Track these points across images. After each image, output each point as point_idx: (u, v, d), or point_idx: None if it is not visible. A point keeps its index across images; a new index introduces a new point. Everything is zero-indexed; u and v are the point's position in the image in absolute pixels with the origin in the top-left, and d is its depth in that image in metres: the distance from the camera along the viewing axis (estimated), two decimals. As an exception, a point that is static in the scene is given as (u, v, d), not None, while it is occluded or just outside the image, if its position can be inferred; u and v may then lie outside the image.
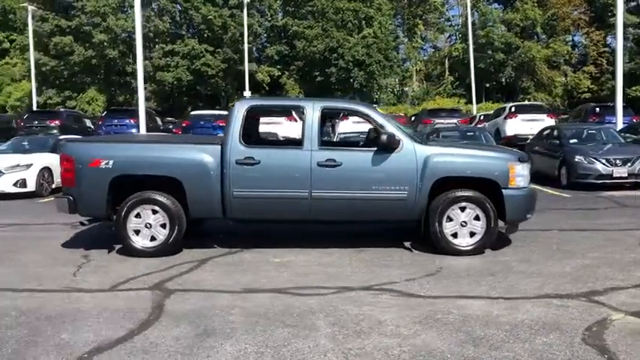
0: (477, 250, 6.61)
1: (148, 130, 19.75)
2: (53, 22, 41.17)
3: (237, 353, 3.88)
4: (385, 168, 6.61)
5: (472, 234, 6.62)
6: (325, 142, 7.57)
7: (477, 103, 36.89)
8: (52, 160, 12.67)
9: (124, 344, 4.05)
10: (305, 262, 6.38)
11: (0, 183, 12.42)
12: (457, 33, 50.92)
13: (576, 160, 12.58)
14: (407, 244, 7.03)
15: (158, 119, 26.06)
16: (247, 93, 34.96)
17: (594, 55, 45.65)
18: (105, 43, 41.55)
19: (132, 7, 24.40)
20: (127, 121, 21.63)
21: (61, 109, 30.62)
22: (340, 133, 18.37)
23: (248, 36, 38.15)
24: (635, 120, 20.27)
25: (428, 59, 53.09)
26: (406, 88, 51.49)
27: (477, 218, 6.58)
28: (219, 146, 6.68)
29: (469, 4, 39.02)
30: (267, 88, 43.98)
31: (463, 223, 6.58)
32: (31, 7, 36.38)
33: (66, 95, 42.65)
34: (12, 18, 48.01)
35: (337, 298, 5.07)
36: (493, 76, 46.55)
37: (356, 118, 9.33)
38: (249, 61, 38.62)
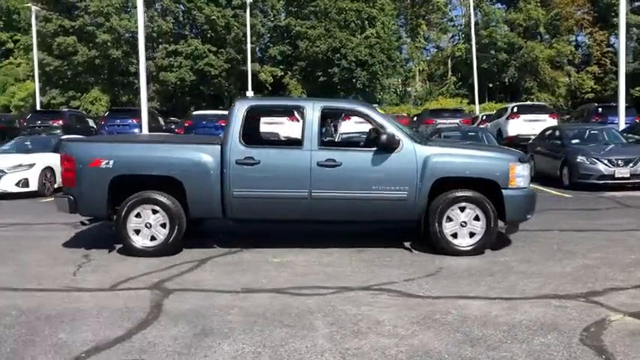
0: (477, 250, 6.60)
1: (151, 130, 19.78)
2: (57, 23, 41.30)
3: (235, 353, 3.89)
4: (385, 168, 6.61)
5: (472, 234, 6.61)
6: (325, 142, 7.59)
7: (480, 103, 36.81)
8: (55, 160, 12.61)
9: (122, 344, 4.06)
10: (305, 262, 6.38)
11: (3, 182, 12.46)
12: (460, 33, 50.94)
13: (578, 160, 12.55)
14: (407, 244, 7.02)
15: (161, 119, 26.13)
16: (250, 93, 35.03)
17: (598, 56, 45.58)
18: (108, 43, 41.72)
19: (135, 7, 24.45)
20: (130, 121, 21.62)
21: (64, 109, 30.71)
22: (342, 133, 18.39)
23: (251, 36, 38.24)
24: (637, 120, 20.15)
25: (431, 59, 53.14)
26: (409, 89, 51.54)
27: (476, 218, 6.58)
28: (219, 146, 6.69)
29: (472, 4, 39.00)
30: (269, 89, 44.06)
31: (463, 224, 6.57)
32: (34, 8, 36.48)
33: (69, 95, 42.82)
34: (16, 18, 48.29)
35: (336, 298, 5.07)
36: (496, 76, 46.52)
37: (358, 118, 9.31)
38: (252, 61, 38.70)
